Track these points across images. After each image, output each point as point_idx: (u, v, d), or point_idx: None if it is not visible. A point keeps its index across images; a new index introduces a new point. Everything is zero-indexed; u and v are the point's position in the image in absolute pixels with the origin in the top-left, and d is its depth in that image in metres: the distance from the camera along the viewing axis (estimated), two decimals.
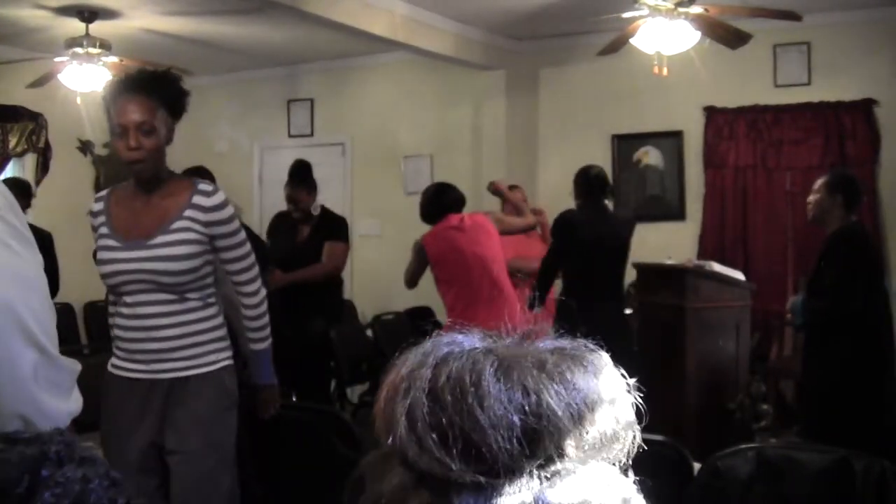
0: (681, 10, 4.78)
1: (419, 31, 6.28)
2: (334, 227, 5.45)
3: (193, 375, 2.68)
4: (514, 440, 0.59)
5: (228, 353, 2.79)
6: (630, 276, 5.83)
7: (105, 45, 6.07)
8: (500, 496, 0.60)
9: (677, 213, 6.97)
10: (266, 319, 2.87)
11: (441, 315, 5.98)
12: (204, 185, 2.72)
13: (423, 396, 0.61)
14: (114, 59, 6.12)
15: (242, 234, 2.77)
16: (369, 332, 6.57)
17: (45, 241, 4.44)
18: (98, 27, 6.12)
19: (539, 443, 0.60)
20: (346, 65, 7.92)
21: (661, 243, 6.57)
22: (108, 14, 6.11)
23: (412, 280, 4.97)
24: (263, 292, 2.85)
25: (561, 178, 6.11)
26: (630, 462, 0.68)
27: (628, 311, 6.23)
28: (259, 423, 3.03)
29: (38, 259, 1.85)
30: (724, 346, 4.77)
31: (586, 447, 0.63)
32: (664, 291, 4.92)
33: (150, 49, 6.65)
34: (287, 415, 3.24)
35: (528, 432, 0.60)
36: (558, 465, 0.61)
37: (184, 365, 2.68)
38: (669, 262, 5.26)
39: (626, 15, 4.98)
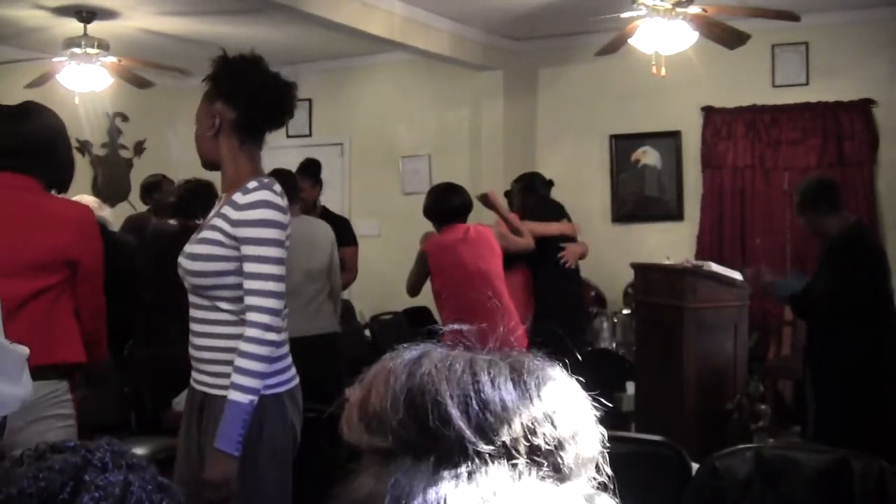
0: (679, 10, 4.78)
1: (417, 31, 6.28)
2: (345, 231, 5.41)
3: (217, 395, 2.37)
4: (403, 420, 0.65)
5: (264, 382, 2.36)
6: (628, 276, 5.84)
7: (103, 46, 6.07)
8: (414, 473, 0.64)
9: (675, 214, 6.97)
10: (257, 367, 2.29)
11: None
12: (254, 182, 2.40)
13: (361, 389, 0.69)
14: (112, 59, 6.12)
15: (272, 251, 2.35)
16: (367, 333, 6.57)
17: None
18: (96, 27, 6.12)
19: (424, 415, 0.64)
20: (344, 65, 7.93)
21: (659, 243, 6.58)
22: (106, 14, 6.10)
23: (414, 288, 4.93)
24: (271, 335, 2.32)
25: (560, 178, 6.12)
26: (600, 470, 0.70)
27: (626, 312, 6.26)
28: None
29: None
30: (721, 347, 4.77)
31: (493, 438, 0.64)
32: (662, 292, 4.92)
33: (148, 49, 6.65)
34: None
35: (413, 404, 0.65)
36: (462, 468, 0.64)
37: (210, 381, 2.42)
38: (667, 262, 5.26)
39: (624, 15, 4.98)
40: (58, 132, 2.88)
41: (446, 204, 4.70)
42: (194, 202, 4.89)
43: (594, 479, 0.69)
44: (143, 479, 0.82)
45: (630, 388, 5.21)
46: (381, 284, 7.26)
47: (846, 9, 6.27)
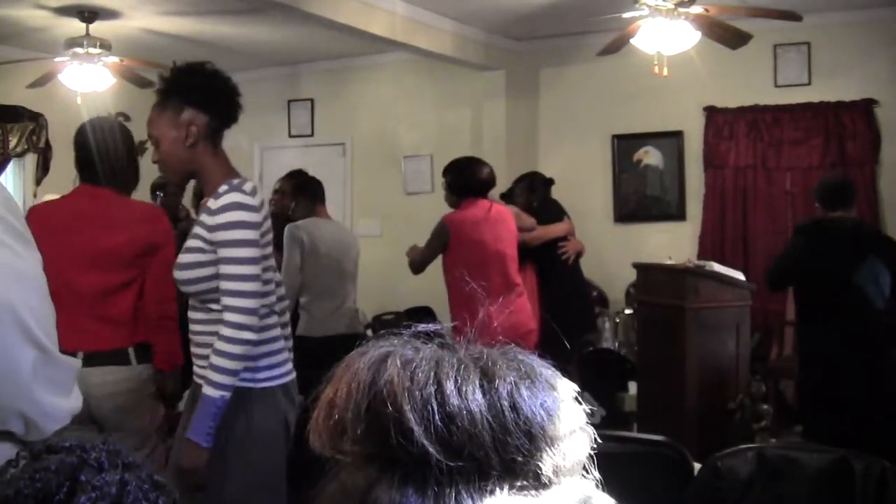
0: (681, 10, 4.78)
1: (419, 31, 6.28)
2: None
3: None
4: (365, 432, 0.62)
5: (255, 375, 2.48)
6: (630, 276, 5.84)
7: (105, 46, 6.08)
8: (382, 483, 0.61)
9: (677, 214, 6.97)
10: (230, 364, 2.37)
11: (441, 314, 5.98)
12: (225, 185, 2.46)
13: (330, 391, 0.65)
14: (114, 59, 6.13)
15: (245, 251, 2.41)
16: (369, 333, 6.57)
17: None
18: (98, 27, 6.12)
19: (385, 429, 0.61)
20: (346, 65, 7.93)
21: (661, 243, 6.58)
22: (108, 14, 6.11)
23: (424, 263, 4.73)
24: (245, 334, 2.39)
25: (561, 178, 6.12)
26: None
27: (628, 311, 6.26)
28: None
29: (36, 257, 1.86)
30: (723, 347, 4.78)
31: (460, 452, 0.60)
32: (664, 291, 4.92)
33: (150, 49, 6.65)
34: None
35: (373, 416, 0.62)
36: (430, 483, 0.60)
37: (204, 374, 2.50)
38: (669, 262, 5.26)
39: (626, 15, 4.98)
40: (122, 143, 3.30)
41: (477, 175, 4.60)
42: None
43: (591, 479, 0.66)
44: (139, 477, 0.82)
45: (632, 387, 5.21)
46: (382, 284, 7.27)
47: (848, 9, 6.26)
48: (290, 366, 2.59)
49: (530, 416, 0.62)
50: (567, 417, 0.64)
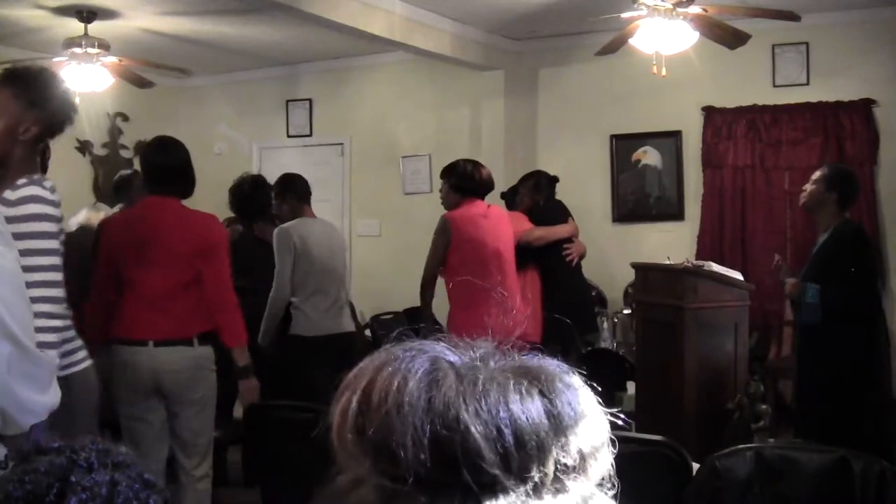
0: (679, 10, 4.78)
1: (418, 31, 6.28)
2: None
3: None
4: (427, 461, 0.57)
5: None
6: (629, 276, 5.84)
7: (104, 46, 6.07)
8: None
9: (676, 213, 6.97)
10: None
11: (440, 315, 5.98)
12: (24, 178, 2.54)
13: (355, 399, 0.62)
14: (113, 59, 6.12)
15: (47, 243, 2.53)
16: (368, 333, 6.57)
17: None
18: (97, 27, 6.12)
19: (452, 459, 0.57)
20: (344, 65, 7.93)
21: (660, 243, 6.58)
22: (106, 14, 6.10)
23: (433, 268, 4.67)
24: (55, 322, 2.52)
25: (561, 178, 6.12)
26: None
27: (627, 311, 6.26)
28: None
29: (14, 255, 1.86)
30: (721, 347, 4.78)
31: (525, 476, 0.59)
32: (662, 291, 4.91)
33: (149, 49, 6.65)
34: (287, 415, 3.25)
35: (439, 444, 0.57)
36: (498, 498, 0.58)
37: None
38: (668, 262, 5.26)
39: (624, 15, 4.98)
40: (187, 158, 3.71)
41: (482, 176, 4.67)
42: (248, 205, 4.97)
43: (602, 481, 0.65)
44: (129, 477, 0.81)
45: (630, 388, 5.21)
46: (381, 284, 7.27)
47: (846, 8, 6.26)
48: (84, 353, 2.84)
49: (585, 435, 0.61)
50: (604, 426, 0.64)
